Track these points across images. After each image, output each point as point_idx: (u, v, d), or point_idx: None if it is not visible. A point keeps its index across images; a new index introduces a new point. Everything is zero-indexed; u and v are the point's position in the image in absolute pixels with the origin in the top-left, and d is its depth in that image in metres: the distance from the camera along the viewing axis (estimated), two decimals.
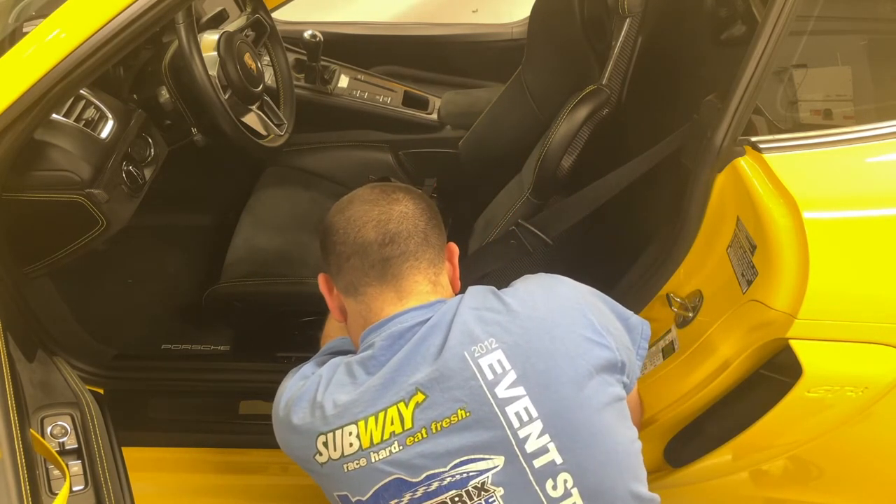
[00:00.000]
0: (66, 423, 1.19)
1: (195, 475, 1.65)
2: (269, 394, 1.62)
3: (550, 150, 1.55)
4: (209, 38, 1.66)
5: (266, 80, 1.84)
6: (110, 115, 1.47)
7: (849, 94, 1.33)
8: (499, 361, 0.93)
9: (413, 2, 3.13)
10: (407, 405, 0.92)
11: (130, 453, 1.27)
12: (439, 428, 0.92)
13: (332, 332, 1.24)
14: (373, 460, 0.92)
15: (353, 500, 0.95)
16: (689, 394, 1.32)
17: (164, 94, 1.65)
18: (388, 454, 0.92)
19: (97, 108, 1.45)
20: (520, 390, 0.92)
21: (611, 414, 0.97)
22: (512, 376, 0.93)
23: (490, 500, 0.91)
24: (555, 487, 0.92)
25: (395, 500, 0.93)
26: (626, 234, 1.64)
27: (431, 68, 2.34)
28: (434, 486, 0.91)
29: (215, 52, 1.64)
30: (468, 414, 0.91)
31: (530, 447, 0.92)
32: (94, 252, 1.46)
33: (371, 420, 0.93)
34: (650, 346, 1.42)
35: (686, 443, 1.41)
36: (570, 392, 0.94)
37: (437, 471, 0.91)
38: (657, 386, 1.37)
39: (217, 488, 1.66)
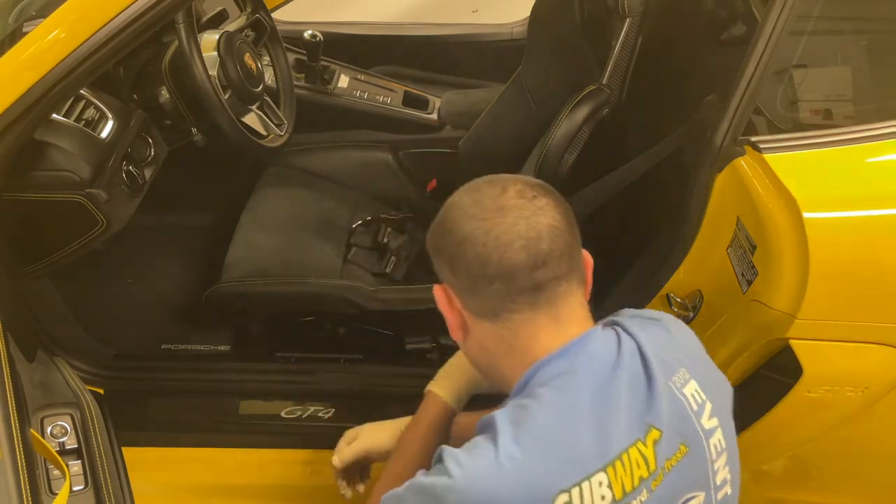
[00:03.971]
0: (66, 423, 1.20)
1: (195, 475, 1.65)
2: (269, 394, 1.65)
3: (550, 150, 1.55)
4: (209, 38, 1.66)
5: (266, 80, 1.84)
6: (110, 115, 1.46)
7: (849, 94, 1.33)
8: (697, 391, 0.87)
9: (413, 2, 3.13)
10: (645, 443, 0.82)
11: (130, 453, 1.27)
12: (670, 467, 0.83)
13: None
14: None
15: None
16: None
17: (164, 94, 1.65)
18: None
19: (97, 108, 1.45)
20: (715, 421, 0.88)
21: None
22: (709, 406, 0.88)
23: None
24: None
25: None
26: (626, 235, 1.64)
27: (431, 68, 2.34)
28: None
29: (215, 52, 1.64)
30: (687, 449, 0.85)
31: (718, 479, 0.88)
32: (94, 252, 1.46)
33: (619, 465, 0.80)
34: None
35: None
36: (730, 421, 0.93)
37: None
38: None
39: (217, 488, 1.66)
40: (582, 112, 1.54)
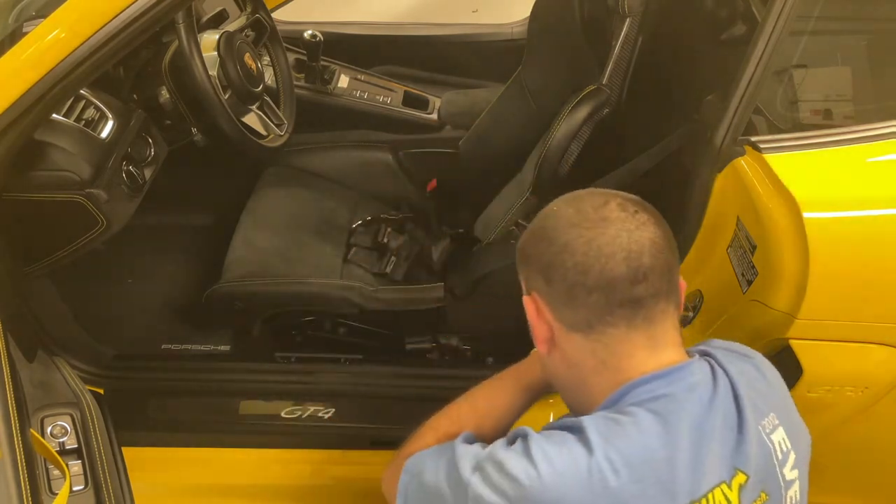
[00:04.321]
0: (66, 423, 1.20)
1: (195, 475, 1.65)
2: (269, 394, 1.65)
3: (551, 150, 1.55)
4: (209, 38, 1.66)
5: (266, 80, 1.84)
6: (110, 115, 1.47)
7: (849, 94, 1.34)
8: (784, 440, 0.85)
9: (413, 2, 3.13)
10: (731, 486, 0.80)
11: (130, 453, 1.27)
12: None
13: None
14: None
15: None
16: None
17: (164, 94, 1.65)
18: None
19: (97, 108, 1.45)
20: (796, 473, 0.86)
21: None
22: (793, 457, 0.86)
23: None
24: None
25: None
26: None
27: (431, 68, 2.34)
28: None
29: (215, 52, 1.64)
30: (767, 497, 0.82)
31: None
32: (94, 252, 1.46)
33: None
34: None
35: None
36: (806, 473, 0.90)
37: None
38: None
39: (217, 488, 1.66)
40: (582, 112, 1.54)
